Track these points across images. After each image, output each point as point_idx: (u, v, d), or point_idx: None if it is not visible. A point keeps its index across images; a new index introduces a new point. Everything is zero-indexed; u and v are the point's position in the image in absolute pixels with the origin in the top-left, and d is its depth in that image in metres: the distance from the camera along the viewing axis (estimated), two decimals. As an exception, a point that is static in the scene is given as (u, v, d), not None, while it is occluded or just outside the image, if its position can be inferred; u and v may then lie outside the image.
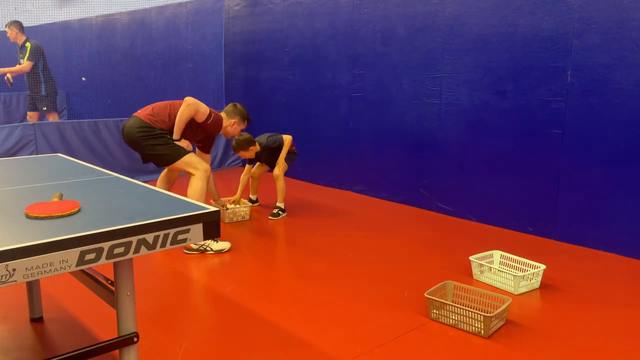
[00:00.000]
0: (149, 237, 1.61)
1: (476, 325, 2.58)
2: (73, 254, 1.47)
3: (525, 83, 4.06)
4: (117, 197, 1.99)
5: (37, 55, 6.23)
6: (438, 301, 2.71)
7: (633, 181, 3.59)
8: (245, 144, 4.45)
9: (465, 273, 3.36)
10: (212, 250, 3.68)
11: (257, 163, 4.85)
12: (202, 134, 3.95)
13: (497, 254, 3.41)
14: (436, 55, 4.63)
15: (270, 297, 3.01)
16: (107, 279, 2.00)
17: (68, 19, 9.14)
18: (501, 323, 2.68)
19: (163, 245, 1.65)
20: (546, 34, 3.91)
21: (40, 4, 7.46)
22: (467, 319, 2.60)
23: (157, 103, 3.86)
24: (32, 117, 6.51)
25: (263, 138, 4.63)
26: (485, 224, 4.42)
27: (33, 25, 8.24)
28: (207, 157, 4.22)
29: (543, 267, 3.18)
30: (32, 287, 2.67)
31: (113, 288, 1.82)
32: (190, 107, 3.70)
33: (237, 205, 4.61)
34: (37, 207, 1.74)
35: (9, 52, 6.87)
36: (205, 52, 7.14)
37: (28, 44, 6.24)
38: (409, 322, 2.72)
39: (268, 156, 4.69)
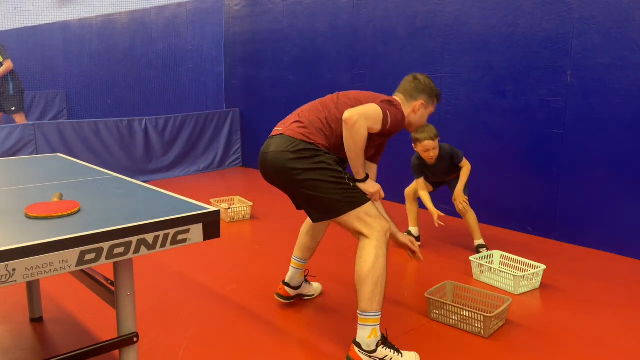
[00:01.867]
0: (149, 237, 1.61)
1: (476, 325, 2.58)
2: (73, 254, 1.47)
3: (525, 83, 4.06)
4: (117, 197, 1.99)
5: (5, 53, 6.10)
6: (438, 301, 2.71)
7: (633, 181, 3.59)
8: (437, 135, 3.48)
9: (465, 273, 3.36)
10: None
11: (422, 178, 3.77)
12: (378, 140, 2.49)
13: (497, 254, 3.41)
14: (436, 55, 4.63)
15: (270, 297, 3.01)
16: (107, 279, 2.00)
17: (68, 19, 9.14)
18: (501, 323, 2.68)
19: (163, 245, 1.65)
20: (546, 34, 3.91)
21: (40, 4, 7.46)
22: (467, 319, 2.60)
23: (303, 107, 2.48)
24: (17, 118, 6.28)
25: (446, 145, 3.67)
26: (486, 224, 4.42)
27: (33, 25, 8.25)
28: (374, 168, 2.72)
29: (543, 267, 3.18)
30: (32, 287, 2.67)
31: (113, 288, 1.82)
32: (359, 128, 2.21)
33: (238, 205, 4.61)
34: (37, 207, 1.74)
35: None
36: (205, 52, 7.14)
37: None
38: (409, 322, 2.72)
39: (439, 170, 3.73)
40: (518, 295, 3.06)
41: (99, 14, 8.65)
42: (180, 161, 6.38)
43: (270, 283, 3.22)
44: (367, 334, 2.25)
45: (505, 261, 3.35)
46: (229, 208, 4.51)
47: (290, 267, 2.89)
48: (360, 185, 2.37)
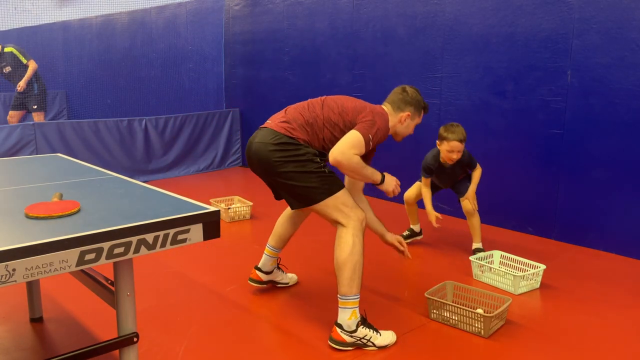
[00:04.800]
0: (149, 237, 1.61)
1: (476, 325, 2.58)
2: (73, 254, 1.47)
3: (525, 83, 4.06)
4: (117, 197, 1.99)
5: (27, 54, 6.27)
6: (438, 301, 2.71)
7: (633, 181, 3.59)
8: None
9: (465, 273, 3.36)
10: (374, 346, 2.47)
11: (428, 179, 3.74)
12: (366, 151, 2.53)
13: (497, 254, 3.41)
14: (436, 55, 4.63)
15: (270, 297, 3.01)
16: (107, 279, 2.00)
17: (68, 19, 9.14)
18: (501, 323, 2.68)
19: (163, 245, 1.65)
20: (546, 34, 3.91)
21: (40, 4, 7.47)
22: (467, 319, 2.60)
23: (291, 106, 2.68)
24: (13, 117, 6.44)
25: (466, 151, 3.62)
26: (485, 224, 4.42)
27: (33, 25, 8.25)
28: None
29: (543, 267, 3.18)
30: (32, 287, 2.67)
31: (113, 288, 1.82)
32: (350, 161, 2.39)
33: (238, 205, 4.61)
34: (37, 207, 1.74)
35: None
36: (205, 52, 7.14)
37: (10, 49, 6.22)
38: (409, 322, 2.72)
39: (452, 174, 3.73)
40: (518, 295, 3.06)
41: (99, 14, 8.65)
42: (180, 161, 6.38)
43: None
44: (347, 316, 2.45)
45: (505, 261, 3.35)
46: (228, 208, 4.51)
47: (264, 255, 3.05)
48: (381, 186, 2.60)
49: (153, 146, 6.12)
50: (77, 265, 1.48)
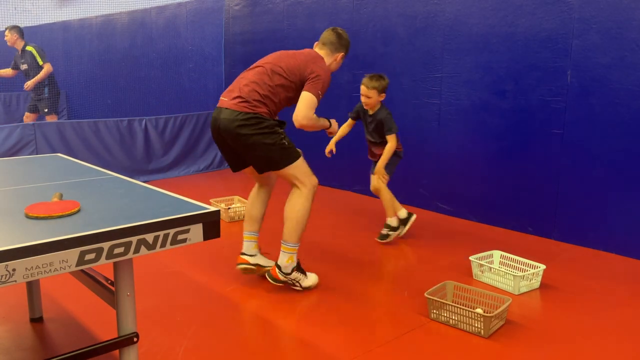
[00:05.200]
0: (149, 237, 1.61)
1: (476, 325, 2.58)
2: (73, 254, 1.47)
3: (525, 83, 4.06)
4: (117, 197, 1.99)
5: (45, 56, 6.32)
6: (438, 301, 2.71)
7: (633, 181, 3.59)
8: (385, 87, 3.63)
9: (465, 273, 3.36)
10: (300, 286, 3.06)
11: (350, 122, 4.08)
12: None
13: (497, 254, 3.41)
14: (436, 55, 4.63)
15: (270, 297, 3.01)
16: (107, 279, 2.00)
17: (68, 19, 9.14)
18: (501, 323, 2.68)
19: (163, 245, 1.65)
20: (546, 34, 3.91)
21: (40, 4, 7.47)
22: (467, 319, 2.60)
23: (238, 82, 2.96)
24: (29, 117, 6.51)
25: (384, 110, 3.79)
26: (485, 224, 4.42)
27: (33, 25, 8.25)
28: None
29: (543, 267, 3.18)
30: (32, 287, 2.67)
31: (113, 288, 1.82)
32: (309, 120, 2.92)
33: (238, 205, 4.61)
34: (37, 207, 1.74)
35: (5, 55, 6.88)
36: (205, 52, 7.14)
37: (31, 48, 6.27)
38: (409, 322, 2.72)
39: (370, 127, 3.90)
40: (518, 295, 3.06)
41: (99, 14, 8.65)
42: (180, 161, 6.38)
43: (270, 283, 3.22)
44: (286, 258, 2.98)
45: (505, 261, 3.35)
46: (228, 208, 4.51)
47: (244, 241, 3.22)
48: (330, 129, 3.20)
49: (153, 146, 6.12)
50: (77, 265, 1.48)
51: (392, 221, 3.91)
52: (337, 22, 5.48)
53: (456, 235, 4.17)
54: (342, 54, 3.19)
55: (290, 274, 3.00)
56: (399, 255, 3.70)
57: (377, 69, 5.13)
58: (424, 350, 2.45)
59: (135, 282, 1.82)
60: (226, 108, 2.87)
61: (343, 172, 5.64)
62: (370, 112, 3.85)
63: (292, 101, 2.99)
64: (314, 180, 3.00)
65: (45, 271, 1.43)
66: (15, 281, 1.38)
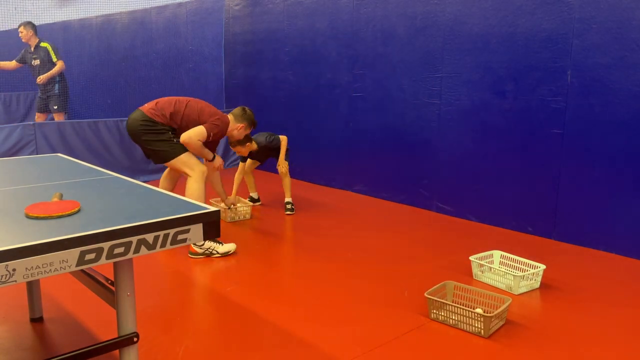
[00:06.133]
0: (149, 237, 1.61)
1: (476, 325, 2.58)
2: (73, 254, 1.47)
3: (525, 83, 4.06)
4: (117, 197, 1.99)
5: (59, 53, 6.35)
6: (438, 301, 2.71)
7: (633, 181, 3.59)
8: (244, 140, 4.39)
9: (465, 273, 3.36)
10: (217, 253, 3.62)
11: (249, 160, 4.92)
12: (211, 141, 3.86)
13: (497, 254, 3.41)
14: (436, 55, 4.63)
15: (270, 297, 3.01)
16: (107, 279, 2.00)
17: (68, 19, 9.14)
18: (501, 323, 2.68)
19: (163, 245, 1.65)
20: (546, 34, 3.91)
21: (40, 4, 7.46)
22: (467, 319, 2.60)
23: (162, 98, 3.80)
24: (40, 117, 6.51)
25: (262, 137, 4.69)
26: (485, 224, 4.42)
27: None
28: (217, 156, 4.11)
29: (543, 267, 3.18)
30: (32, 287, 2.67)
31: (113, 288, 1.82)
32: (193, 144, 3.67)
33: (239, 205, 4.61)
34: (37, 207, 1.74)
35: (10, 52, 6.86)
36: (205, 52, 7.14)
37: (46, 44, 6.31)
38: (409, 322, 2.72)
39: (262, 154, 4.81)
40: (518, 295, 3.06)
41: (99, 14, 8.64)
42: (180, 161, 6.37)
43: (270, 283, 3.22)
44: None
45: (505, 261, 3.35)
46: (229, 208, 4.51)
47: None
48: (211, 162, 3.91)
49: (153, 146, 6.11)
50: (77, 265, 1.48)
51: (289, 199, 4.81)
52: (337, 22, 5.48)
53: (456, 235, 4.17)
54: (243, 125, 3.98)
55: (203, 244, 3.58)
56: (398, 255, 3.70)
57: (377, 68, 5.14)
58: (424, 350, 2.45)
59: (135, 282, 1.82)
60: (139, 109, 3.70)
61: (343, 172, 5.64)
62: (249, 152, 4.63)
63: (188, 129, 3.70)
64: (202, 167, 3.71)
65: (45, 271, 1.42)
66: (15, 281, 1.38)
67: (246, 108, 4.06)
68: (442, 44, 4.58)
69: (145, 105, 3.75)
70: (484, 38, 4.28)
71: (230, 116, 3.96)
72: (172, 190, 3.94)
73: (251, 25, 6.60)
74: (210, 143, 3.87)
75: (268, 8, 6.31)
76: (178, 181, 4.13)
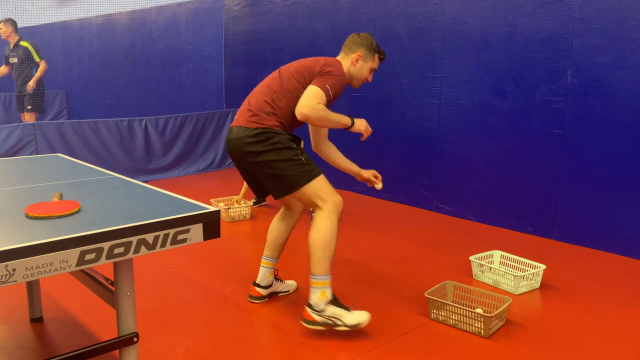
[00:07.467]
0: (149, 237, 1.61)
1: (476, 325, 2.58)
2: (73, 254, 1.47)
3: (525, 83, 4.06)
4: (117, 197, 1.99)
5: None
6: (438, 301, 2.71)
7: (633, 181, 3.59)
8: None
9: (465, 273, 3.36)
10: (344, 325, 2.51)
11: None
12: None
13: (497, 254, 3.41)
14: (436, 55, 4.63)
15: (270, 298, 3.01)
16: (107, 279, 2.00)
17: (68, 19, 9.15)
18: (501, 323, 2.68)
19: (163, 245, 1.65)
20: (546, 34, 3.91)
21: (40, 4, 7.47)
22: (467, 319, 2.60)
23: (250, 95, 2.72)
24: (23, 117, 6.45)
25: None
26: (485, 224, 4.42)
27: (33, 25, 8.25)
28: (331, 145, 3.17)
29: (543, 267, 3.18)
30: (32, 287, 2.67)
31: (113, 288, 1.82)
32: (317, 113, 2.49)
33: (238, 205, 4.61)
34: (37, 207, 1.74)
35: None
36: (205, 52, 7.14)
37: (26, 44, 6.23)
38: (409, 322, 2.72)
39: None
40: (518, 295, 3.06)
41: (99, 14, 8.65)
42: (180, 161, 6.38)
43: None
44: (317, 295, 2.51)
45: (505, 261, 3.35)
46: (228, 208, 4.51)
47: (261, 268, 2.96)
48: (353, 128, 2.67)
49: (153, 146, 6.12)
50: (77, 265, 1.48)
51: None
52: (337, 22, 5.48)
53: (456, 235, 4.17)
54: (359, 54, 2.74)
55: (324, 310, 2.50)
56: (398, 255, 3.70)
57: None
58: (424, 350, 2.45)
59: (135, 282, 1.82)
60: (235, 126, 2.63)
61: (343, 172, 5.64)
62: None
63: None
64: (336, 198, 2.56)
65: (45, 271, 1.42)
66: (15, 281, 1.38)
67: (361, 33, 2.84)
68: (442, 44, 4.58)
69: (238, 117, 2.67)
70: (484, 38, 4.28)
71: (340, 55, 2.83)
72: (288, 238, 3.01)
73: (251, 25, 6.60)
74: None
75: (268, 8, 6.31)
76: (298, 220, 3.04)
